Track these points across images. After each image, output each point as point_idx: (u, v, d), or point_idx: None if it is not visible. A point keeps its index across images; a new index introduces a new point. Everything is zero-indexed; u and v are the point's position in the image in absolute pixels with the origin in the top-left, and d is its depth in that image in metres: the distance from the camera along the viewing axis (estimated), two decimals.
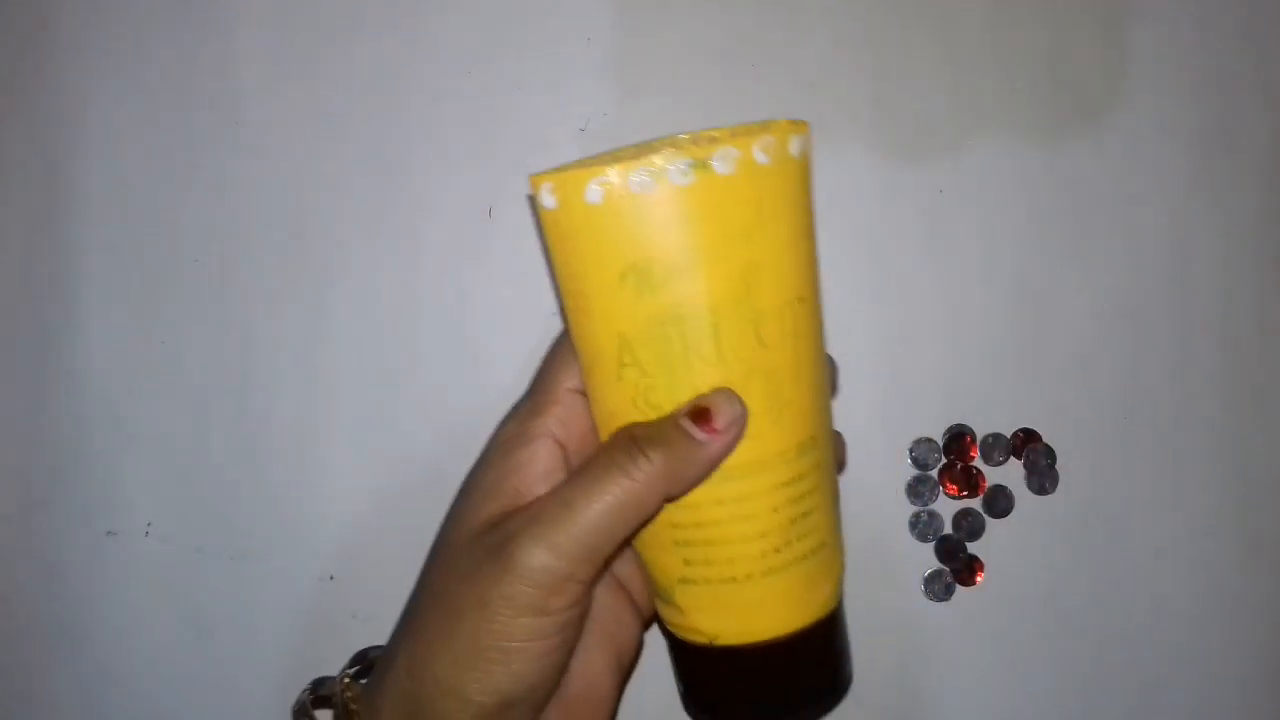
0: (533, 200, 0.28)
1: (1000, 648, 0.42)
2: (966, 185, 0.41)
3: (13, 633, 0.41)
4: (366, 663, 0.35)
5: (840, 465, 0.33)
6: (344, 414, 0.41)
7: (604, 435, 0.30)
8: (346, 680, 0.32)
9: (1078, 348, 0.42)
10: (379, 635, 0.40)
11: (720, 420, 0.28)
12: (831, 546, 0.31)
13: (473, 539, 0.29)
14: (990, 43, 0.42)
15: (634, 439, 0.28)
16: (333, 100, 0.41)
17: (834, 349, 0.33)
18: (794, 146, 0.28)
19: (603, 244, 0.27)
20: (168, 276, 0.41)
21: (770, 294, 0.28)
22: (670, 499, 0.29)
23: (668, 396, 0.28)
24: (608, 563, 0.29)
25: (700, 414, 0.28)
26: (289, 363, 0.41)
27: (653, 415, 0.29)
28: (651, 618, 0.35)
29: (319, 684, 0.34)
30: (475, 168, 0.41)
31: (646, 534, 0.30)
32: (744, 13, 0.41)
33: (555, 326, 0.40)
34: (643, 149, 0.31)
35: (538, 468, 0.30)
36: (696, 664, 0.32)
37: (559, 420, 0.31)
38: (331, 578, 0.41)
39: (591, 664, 0.33)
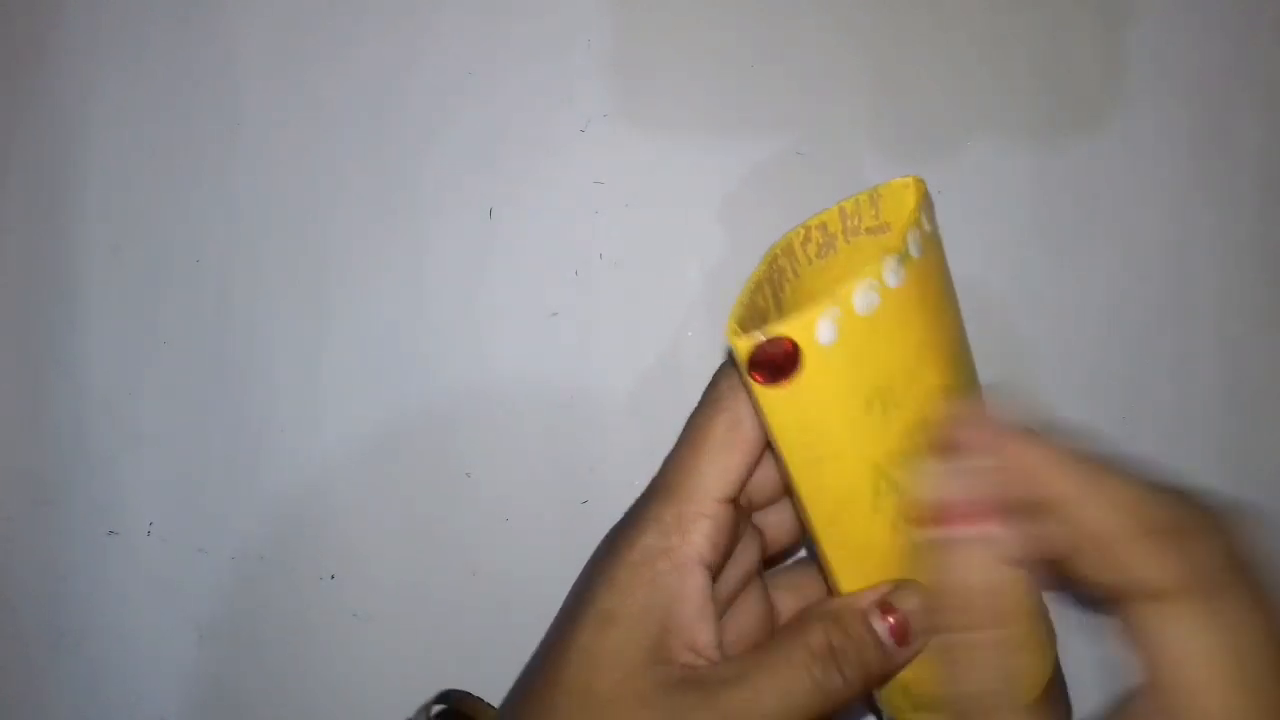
0: (748, 366, 0.25)
1: None
2: (966, 185, 0.41)
3: (14, 632, 0.41)
4: (450, 706, 0.34)
5: None
6: (344, 414, 0.41)
7: (850, 573, 0.28)
8: None
9: (1077, 348, 0.42)
10: (379, 635, 0.40)
11: (914, 631, 0.27)
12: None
13: (638, 698, 0.26)
14: (990, 43, 0.41)
15: (833, 652, 0.27)
16: (333, 101, 0.41)
17: None
18: (933, 205, 0.27)
19: (844, 382, 0.25)
20: (168, 276, 0.41)
21: (967, 355, 0.28)
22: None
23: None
24: None
25: (891, 612, 0.27)
26: (289, 363, 0.41)
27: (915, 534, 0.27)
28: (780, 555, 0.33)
29: None
30: (475, 168, 0.41)
31: (915, 660, 0.29)
32: (744, 13, 0.41)
33: (556, 327, 0.41)
34: (774, 263, 0.29)
35: (692, 603, 0.27)
36: None
37: (709, 540, 0.27)
38: (332, 577, 0.41)
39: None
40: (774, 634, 0.29)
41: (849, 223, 0.29)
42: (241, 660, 0.41)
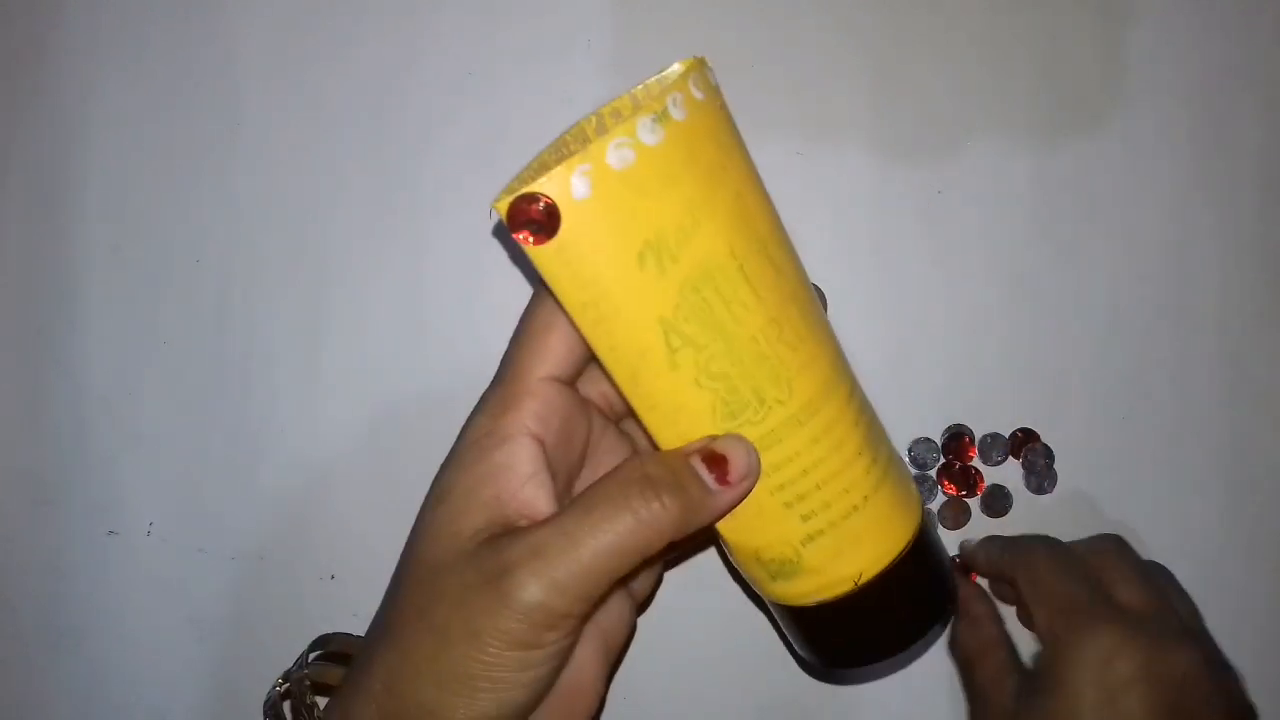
0: (510, 226, 0.26)
1: None
2: (966, 185, 0.41)
3: (14, 632, 0.41)
4: (327, 650, 0.34)
5: None
6: (344, 414, 0.41)
7: (666, 434, 0.29)
8: (307, 674, 0.31)
9: (1077, 347, 0.42)
10: None
11: (735, 472, 0.27)
12: (891, 444, 0.32)
13: (461, 557, 0.28)
14: (990, 43, 0.41)
15: (649, 480, 0.27)
16: (333, 101, 0.41)
17: None
18: (712, 77, 0.28)
19: (608, 235, 0.26)
20: (168, 276, 0.41)
21: (761, 219, 0.28)
22: (671, 540, 0.28)
23: (729, 361, 0.27)
24: (603, 598, 0.28)
25: (715, 460, 0.27)
26: (289, 363, 0.41)
27: (720, 388, 0.27)
28: (645, 601, 0.34)
29: (287, 676, 0.33)
30: (475, 168, 0.41)
31: (746, 517, 0.29)
32: (744, 13, 0.41)
33: None
34: (562, 145, 0.30)
35: (519, 471, 0.28)
36: (843, 616, 0.31)
37: (535, 414, 0.29)
38: (332, 577, 0.41)
39: (578, 654, 0.31)
40: (595, 481, 0.29)
41: (639, 104, 0.30)
42: (241, 660, 0.41)
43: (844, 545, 0.29)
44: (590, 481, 0.30)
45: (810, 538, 0.29)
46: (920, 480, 0.41)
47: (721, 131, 0.28)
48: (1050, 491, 0.41)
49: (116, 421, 0.41)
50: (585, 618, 0.28)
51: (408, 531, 0.41)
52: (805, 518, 0.29)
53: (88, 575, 0.41)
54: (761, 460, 0.28)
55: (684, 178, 0.26)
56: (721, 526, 0.30)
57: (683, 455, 0.28)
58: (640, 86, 0.30)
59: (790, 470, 0.28)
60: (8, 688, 0.41)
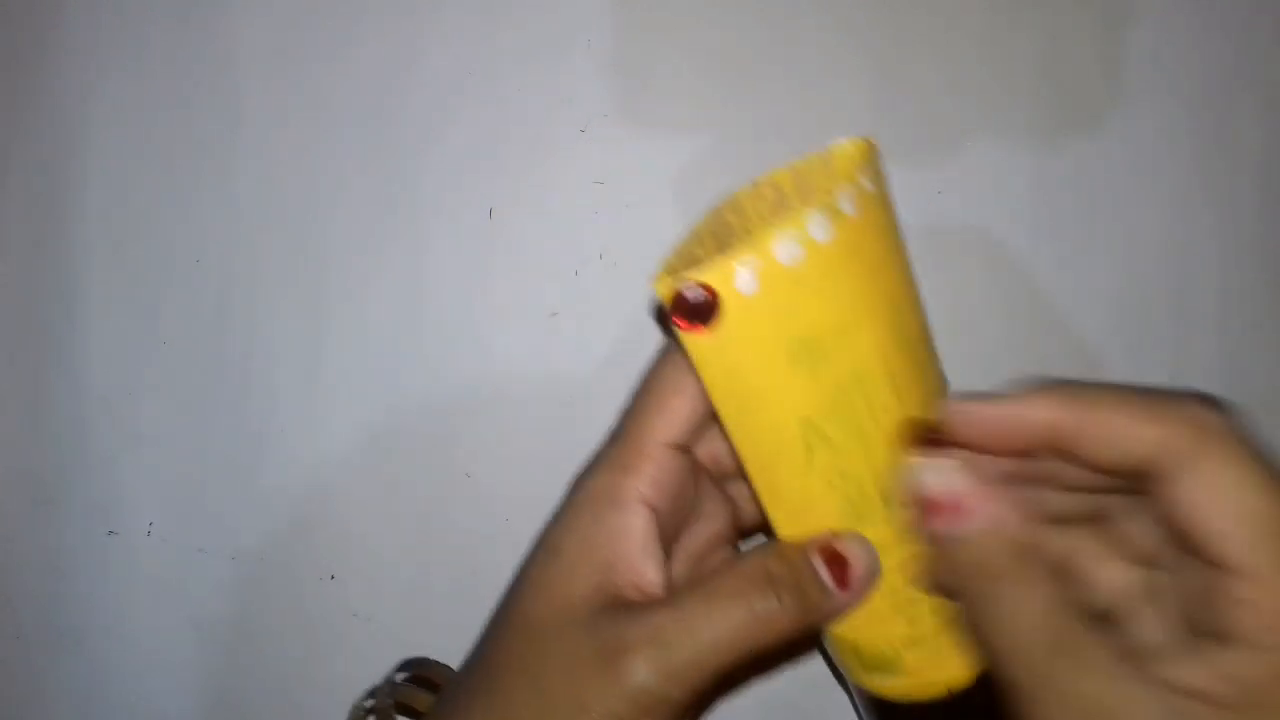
0: (670, 309, 0.25)
1: None
2: (966, 185, 0.41)
3: (14, 632, 0.41)
4: (414, 674, 0.34)
5: None
6: (344, 414, 0.41)
7: (788, 526, 0.28)
8: (395, 696, 0.31)
9: (1077, 347, 0.42)
10: (379, 635, 0.40)
11: (856, 577, 0.27)
12: None
13: (572, 623, 0.27)
14: (990, 43, 0.41)
15: (770, 577, 0.27)
16: (333, 101, 0.41)
17: None
18: (882, 165, 0.27)
19: (766, 332, 0.25)
20: (168, 276, 0.41)
21: (913, 316, 0.28)
22: (785, 639, 0.28)
23: (864, 463, 0.27)
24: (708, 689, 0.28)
25: (836, 560, 0.27)
26: (289, 363, 0.41)
27: (850, 488, 0.27)
28: (751, 529, 0.33)
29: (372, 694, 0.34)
30: (476, 169, 0.41)
31: (855, 614, 0.29)
32: (744, 13, 0.41)
33: (556, 327, 0.41)
34: (720, 218, 0.29)
35: (633, 539, 0.28)
36: (930, 715, 0.30)
37: (653, 480, 0.28)
38: (332, 577, 0.41)
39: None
40: (717, 568, 0.28)
41: (802, 182, 0.29)
42: (241, 660, 0.41)
43: (944, 653, 0.29)
44: (694, 541, 0.30)
45: (914, 642, 0.29)
46: None
47: (887, 225, 0.27)
48: None
49: (116, 421, 0.41)
50: (685, 706, 0.27)
51: (408, 532, 0.41)
52: (912, 621, 0.29)
53: (88, 575, 0.41)
54: (880, 562, 0.28)
55: (848, 276, 0.25)
56: (845, 630, 0.29)
57: (804, 551, 0.27)
58: (801, 160, 0.29)
59: (906, 575, 0.28)
60: (8, 688, 0.41)
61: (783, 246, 0.24)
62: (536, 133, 0.41)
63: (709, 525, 0.31)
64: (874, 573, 0.28)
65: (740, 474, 0.29)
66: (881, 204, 0.26)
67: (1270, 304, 0.42)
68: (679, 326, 0.25)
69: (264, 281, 0.41)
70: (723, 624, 0.26)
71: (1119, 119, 0.42)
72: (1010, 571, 0.24)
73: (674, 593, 0.28)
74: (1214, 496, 0.22)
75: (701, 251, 0.28)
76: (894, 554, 0.28)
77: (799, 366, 0.25)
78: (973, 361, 0.41)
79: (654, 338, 0.41)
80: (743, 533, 0.33)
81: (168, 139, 0.41)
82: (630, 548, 0.28)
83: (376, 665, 0.37)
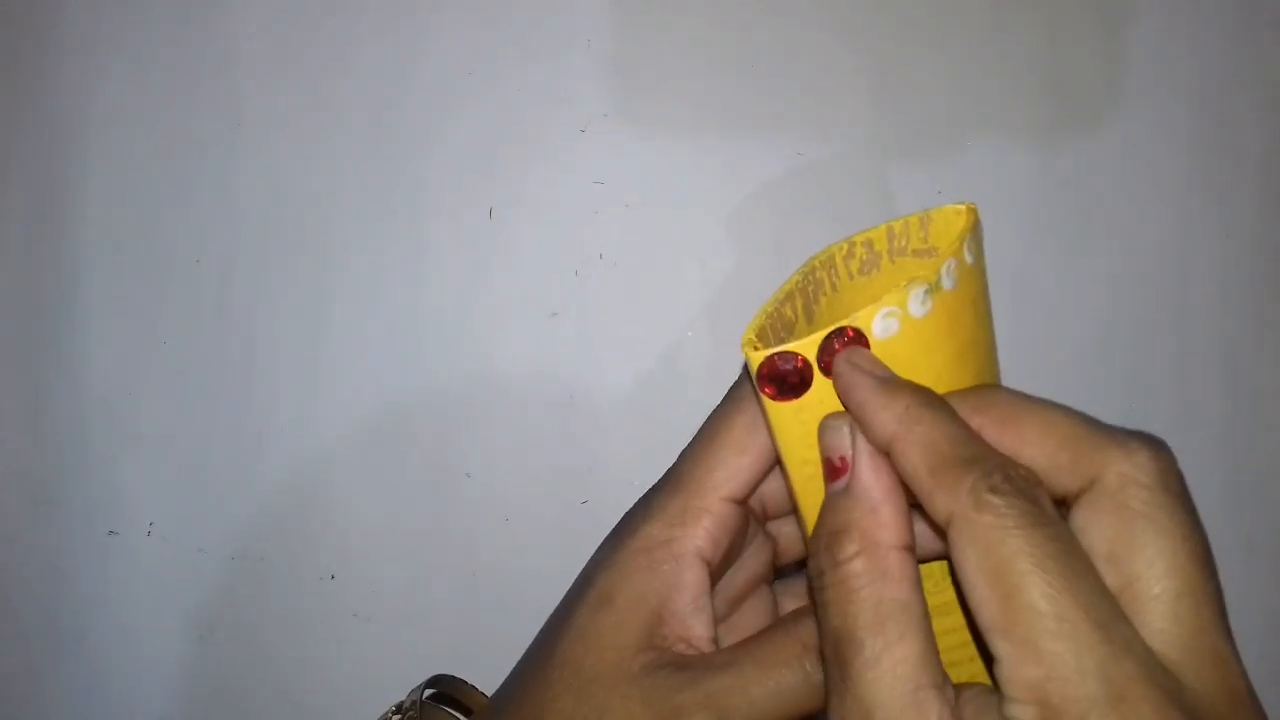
0: (759, 378, 0.25)
1: None
2: (966, 185, 0.41)
3: (15, 632, 0.41)
4: (440, 691, 0.34)
5: None
6: (344, 414, 0.41)
7: None
8: (420, 715, 0.31)
9: (1077, 347, 0.42)
10: (379, 635, 0.40)
11: None
12: None
13: (624, 678, 0.27)
14: (990, 43, 0.41)
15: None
16: (333, 101, 0.41)
17: None
18: (982, 236, 0.27)
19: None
20: (168, 276, 0.41)
21: (991, 383, 0.28)
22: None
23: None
24: None
25: None
26: (289, 363, 0.41)
27: None
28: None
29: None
30: (476, 169, 0.41)
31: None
32: (744, 13, 0.41)
33: (555, 326, 0.41)
34: (812, 275, 0.29)
35: (687, 594, 0.27)
36: None
37: (710, 535, 0.27)
38: (333, 577, 0.41)
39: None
40: (769, 628, 0.28)
41: (896, 243, 0.29)
42: (241, 660, 0.41)
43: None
44: (733, 581, 0.29)
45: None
46: None
47: (981, 297, 0.27)
48: None
49: (116, 421, 0.41)
50: None
51: (408, 532, 0.41)
52: (950, 664, 0.28)
53: (88, 575, 0.41)
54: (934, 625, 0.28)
55: (940, 350, 0.25)
56: None
57: None
58: (899, 220, 0.29)
59: (953, 639, 0.28)
60: (8, 688, 0.41)
61: (879, 322, 0.24)
62: (537, 133, 0.41)
63: (750, 566, 0.31)
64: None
65: (790, 513, 0.29)
66: (978, 275, 0.26)
67: (1270, 304, 0.42)
68: (767, 395, 0.25)
69: (264, 282, 0.41)
70: (779, 690, 0.26)
71: (1119, 119, 0.42)
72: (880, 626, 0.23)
73: (726, 651, 0.27)
74: (971, 565, 0.22)
75: (790, 311, 0.28)
76: (948, 619, 0.28)
77: None
78: None
79: (653, 337, 0.41)
80: (779, 571, 0.33)
81: (168, 139, 0.41)
82: (683, 603, 0.27)
83: (376, 665, 0.37)
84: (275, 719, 0.41)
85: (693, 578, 0.27)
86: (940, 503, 0.22)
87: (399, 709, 0.33)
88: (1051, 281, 0.42)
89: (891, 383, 0.24)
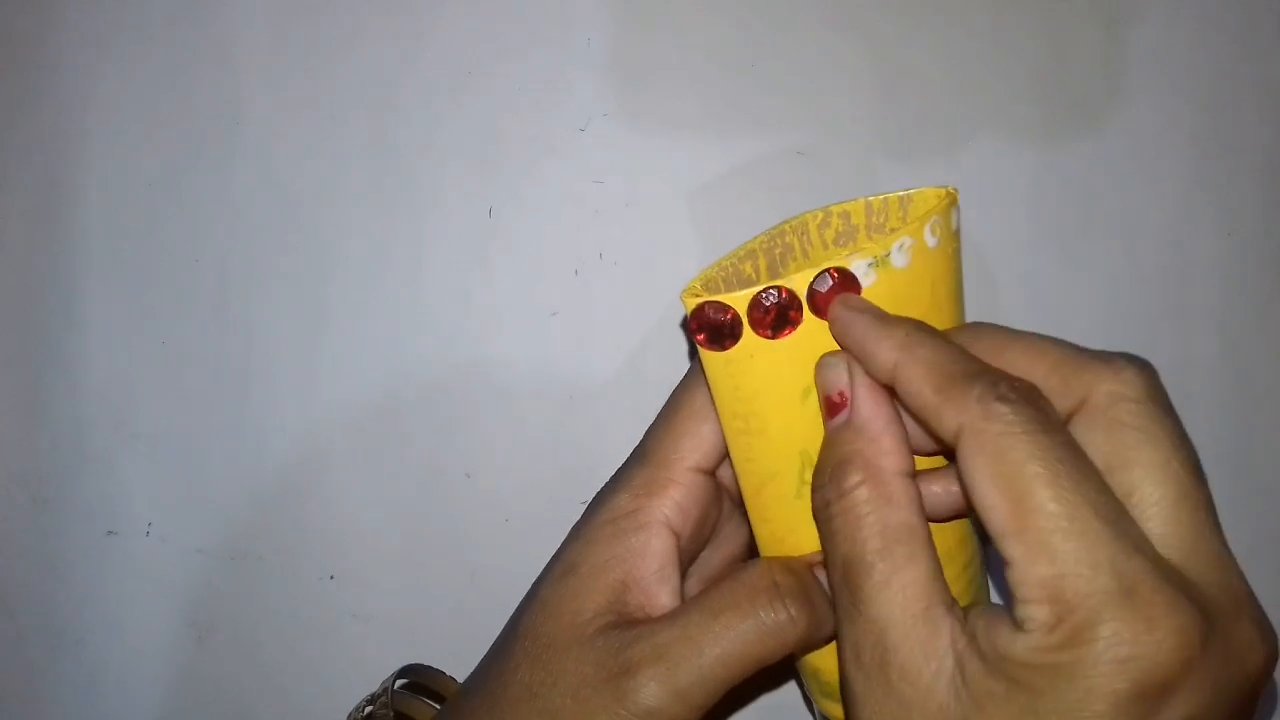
0: (691, 322, 0.26)
1: None
2: (966, 185, 0.41)
3: (13, 632, 0.41)
4: (413, 680, 0.34)
5: None
6: (343, 414, 0.41)
7: (771, 545, 0.28)
8: (394, 705, 0.31)
9: None
10: (379, 635, 0.40)
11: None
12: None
13: (579, 641, 0.27)
14: (990, 43, 0.41)
15: (777, 589, 0.26)
16: (333, 100, 0.41)
17: None
18: (955, 220, 0.27)
19: (784, 366, 0.25)
20: (168, 276, 0.41)
21: None
22: (792, 652, 0.27)
23: None
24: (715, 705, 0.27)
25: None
26: (289, 363, 0.41)
27: None
28: None
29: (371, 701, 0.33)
30: (475, 168, 0.41)
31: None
32: (744, 12, 0.41)
33: (554, 326, 0.41)
34: (781, 238, 0.29)
35: (651, 562, 0.27)
36: None
37: (677, 504, 0.28)
38: (332, 578, 0.41)
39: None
40: (719, 579, 0.28)
41: (874, 219, 0.29)
42: (241, 660, 0.41)
43: None
44: (709, 561, 0.29)
45: None
46: None
47: (941, 282, 0.26)
48: None
49: (115, 421, 0.41)
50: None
51: (408, 532, 0.41)
52: None
53: (87, 575, 0.41)
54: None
55: None
56: (811, 657, 0.29)
57: (808, 564, 0.27)
58: (879, 198, 0.29)
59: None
60: (7, 688, 0.41)
61: (816, 283, 0.24)
62: (536, 132, 0.41)
63: (726, 547, 0.31)
64: None
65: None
66: (941, 260, 0.26)
67: (1270, 304, 0.42)
68: (699, 341, 0.25)
69: (263, 281, 0.41)
70: (729, 638, 0.26)
71: (1119, 119, 0.42)
72: (887, 550, 0.24)
73: (679, 607, 0.27)
74: (982, 473, 0.22)
75: (750, 269, 0.28)
76: None
77: (808, 402, 0.26)
78: None
79: (653, 337, 0.41)
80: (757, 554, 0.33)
81: (168, 138, 0.41)
82: (646, 570, 0.27)
83: (376, 666, 0.37)
84: (275, 719, 0.41)
85: (659, 545, 0.27)
86: (948, 417, 0.23)
87: (371, 699, 0.33)
88: (1051, 281, 0.42)
89: (887, 317, 0.25)
